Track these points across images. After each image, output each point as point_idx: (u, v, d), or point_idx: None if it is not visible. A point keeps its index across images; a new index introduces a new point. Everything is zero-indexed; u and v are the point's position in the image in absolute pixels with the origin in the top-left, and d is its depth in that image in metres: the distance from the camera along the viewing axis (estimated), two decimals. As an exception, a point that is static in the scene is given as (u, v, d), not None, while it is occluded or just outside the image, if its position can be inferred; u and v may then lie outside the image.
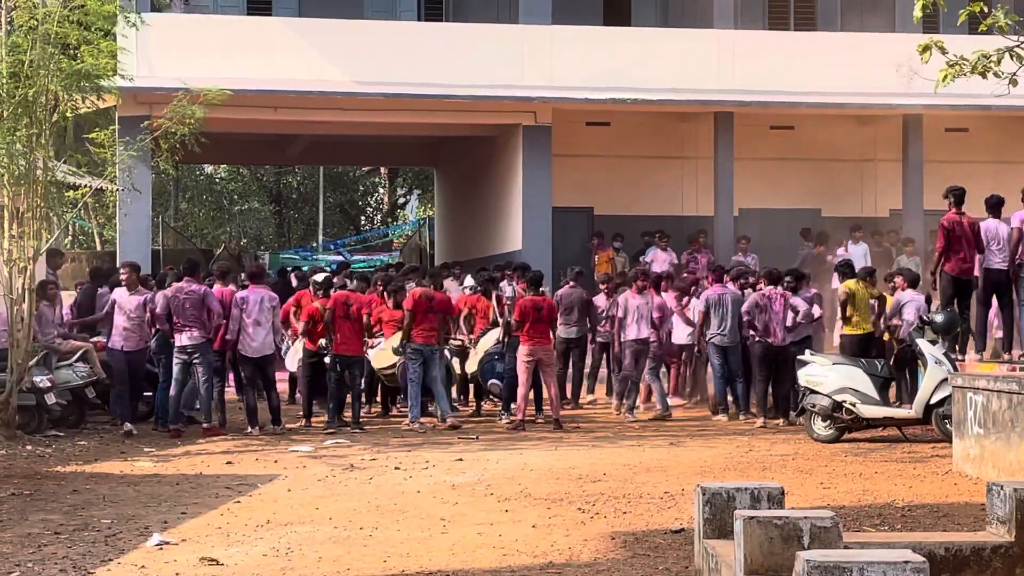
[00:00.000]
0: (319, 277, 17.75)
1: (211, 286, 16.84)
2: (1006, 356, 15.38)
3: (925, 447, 14.62)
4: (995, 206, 15.58)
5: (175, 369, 16.21)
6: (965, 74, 13.45)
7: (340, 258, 38.38)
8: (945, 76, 13.25)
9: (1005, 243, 15.26)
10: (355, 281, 19.23)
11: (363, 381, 17.50)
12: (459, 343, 18.42)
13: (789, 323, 16.87)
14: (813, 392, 15.33)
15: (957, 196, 15.54)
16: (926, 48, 13.02)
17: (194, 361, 16.16)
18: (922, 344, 14.89)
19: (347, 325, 16.68)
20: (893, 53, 22.87)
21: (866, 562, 4.94)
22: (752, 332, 16.98)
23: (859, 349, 16.84)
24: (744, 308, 17.09)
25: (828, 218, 27.28)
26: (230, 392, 17.66)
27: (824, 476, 12.37)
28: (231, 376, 18.28)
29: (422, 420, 16.83)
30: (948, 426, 13.77)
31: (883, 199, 27.75)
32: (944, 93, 14.65)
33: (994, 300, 15.67)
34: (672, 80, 24.60)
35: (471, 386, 19.14)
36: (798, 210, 27.12)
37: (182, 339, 16.12)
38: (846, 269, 17.94)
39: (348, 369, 16.72)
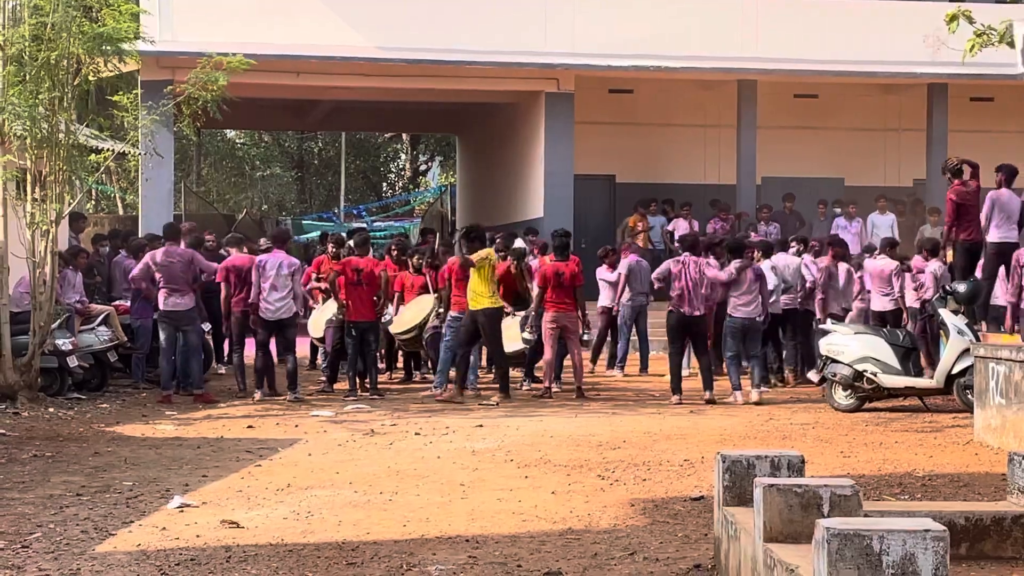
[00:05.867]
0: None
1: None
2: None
3: (946, 417, 14.58)
4: (1008, 177, 15.43)
5: (162, 335, 16.19)
6: (992, 44, 13.37)
7: (362, 225, 38.41)
8: (972, 46, 13.17)
9: (1015, 214, 15.13)
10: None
11: (379, 346, 17.49)
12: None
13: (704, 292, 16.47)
14: (834, 361, 15.29)
15: (954, 171, 15.46)
16: (953, 17, 12.95)
17: (183, 328, 16.15)
18: (944, 314, 14.83)
19: (359, 291, 16.60)
20: (918, 22, 22.78)
21: (886, 530, 4.91)
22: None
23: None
24: (654, 275, 16.60)
25: (851, 187, 27.20)
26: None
27: (844, 445, 12.35)
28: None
29: (447, 387, 16.80)
30: (969, 396, 13.72)
31: (907, 169, 27.67)
32: (970, 62, 14.57)
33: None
34: (696, 48, 24.50)
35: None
36: (821, 179, 27.07)
37: (167, 304, 16.11)
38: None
39: (363, 335, 16.67)
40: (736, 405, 15.71)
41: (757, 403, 15.85)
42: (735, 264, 16.30)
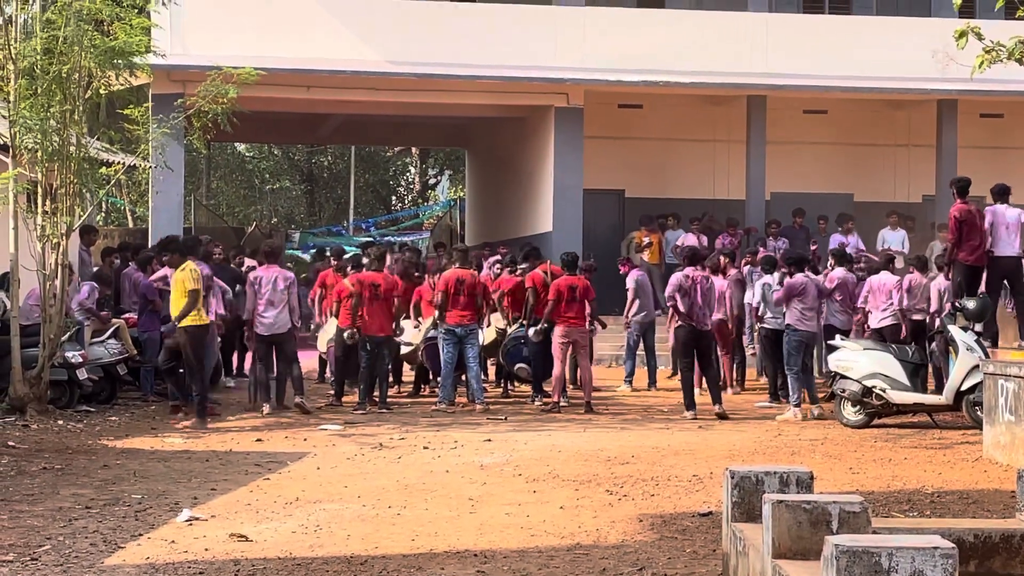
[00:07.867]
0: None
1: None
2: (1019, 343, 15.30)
3: (955, 434, 14.57)
4: (1001, 193, 15.53)
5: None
6: (1002, 60, 13.37)
7: (369, 239, 38.46)
8: (982, 62, 13.16)
9: (1014, 229, 15.18)
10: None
11: (391, 361, 17.48)
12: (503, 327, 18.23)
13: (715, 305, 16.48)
14: (843, 377, 15.28)
15: (961, 187, 15.53)
16: (962, 34, 12.92)
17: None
18: (953, 330, 14.81)
19: (376, 306, 16.60)
20: (928, 37, 22.74)
21: (895, 547, 4.92)
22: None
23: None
24: (669, 293, 16.37)
25: (860, 203, 27.18)
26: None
27: (853, 461, 12.34)
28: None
29: (454, 401, 16.79)
30: (979, 413, 13.71)
31: (916, 185, 27.63)
32: (979, 78, 14.56)
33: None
34: (705, 63, 24.52)
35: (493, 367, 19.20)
36: (830, 195, 27.03)
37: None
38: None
39: (378, 349, 16.66)
40: (794, 421, 15.59)
41: (812, 418, 15.81)
42: (777, 278, 16.40)
